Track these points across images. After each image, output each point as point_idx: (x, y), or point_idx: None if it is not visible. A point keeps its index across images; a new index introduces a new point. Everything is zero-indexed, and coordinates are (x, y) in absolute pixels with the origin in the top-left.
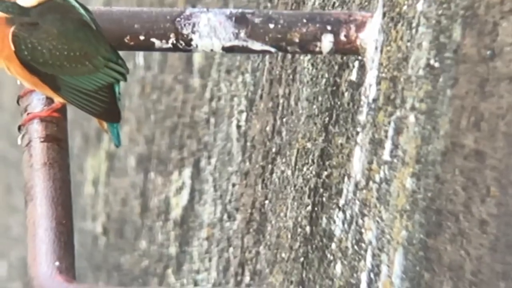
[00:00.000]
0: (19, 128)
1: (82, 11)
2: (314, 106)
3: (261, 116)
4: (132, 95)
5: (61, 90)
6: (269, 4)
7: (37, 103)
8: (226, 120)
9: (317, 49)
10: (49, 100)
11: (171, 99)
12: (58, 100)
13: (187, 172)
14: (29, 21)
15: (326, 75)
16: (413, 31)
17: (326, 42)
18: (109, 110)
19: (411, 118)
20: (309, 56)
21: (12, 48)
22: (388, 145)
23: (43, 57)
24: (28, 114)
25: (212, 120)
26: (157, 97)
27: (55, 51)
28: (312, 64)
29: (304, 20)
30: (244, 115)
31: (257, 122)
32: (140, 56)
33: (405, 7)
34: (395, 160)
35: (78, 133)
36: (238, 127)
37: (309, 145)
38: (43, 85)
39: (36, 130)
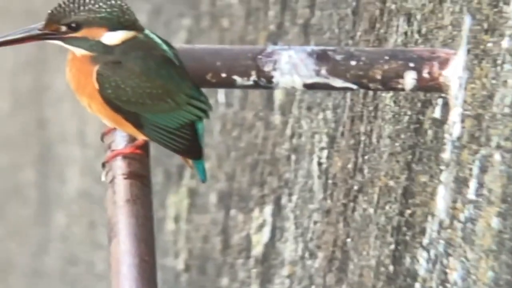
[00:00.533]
0: (103, 165)
1: (165, 47)
2: (397, 144)
3: (343, 154)
4: (213, 132)
5: (143, 127)
6: (350, 41)
7: (120, 140)
8: (307, 157)
9: (399, 86)
10: (132, 137)
11: (252, 136)
12: (140, 137)
13: (268, 209)
14: (113, 59)
15: (409, 112)
16: (498, 68)
17: (409, 79)
18: (191, 147)
19: (497, 156)
20: (391, 93)
21: (96, 86)
22: (473, 183)
23: (126, 95)
24: (111, 151)
25: (293, 157)
26: (238, 134)
27: (138, 89)
28: (394, 101)
29: (386, 57)
30: (325, 152)
31: (339, 159)
32: (221, 93)
33: (489, 44)
34: (480, 199)
35: (160, 170)
36: (319, 164)
37: (391, 183)
38: (125, 123)
39: (120, 167)
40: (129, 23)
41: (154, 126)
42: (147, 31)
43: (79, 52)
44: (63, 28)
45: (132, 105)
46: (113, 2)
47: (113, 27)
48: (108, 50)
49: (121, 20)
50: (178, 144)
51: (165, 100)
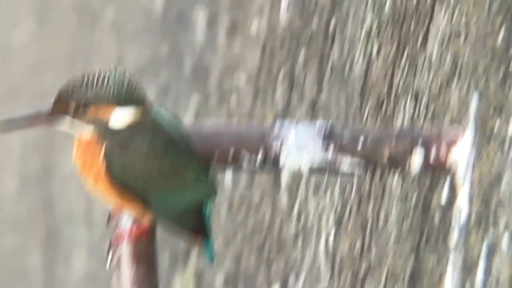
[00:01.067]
0: (109, 247)
1: (173, 123)
2: (404, 225)
3: (350, 234)
4: (220, 212)
5: (151, 207)
6: (358, 120)
7: (127, 222)
8: (314, 238)
9: (407, 166)
10: (138, 220)
11: (259, 216)
12: (146, 219)
13: None
14: (120, 138)
15: (416, 193)
16: (506, 148)
17: (416, 159)
18: (199, 227)
19: (505, 238)
20: (398, 173)
21: (104, 165)
22: (481, 267)
23: (134, 173)
24: (117, 233)
25: (301, 237)
26: (245, 214)
27: (146, 168)
28: (402, 182)
29: (394, 137)
30: (332, 233)
31: (346, 239)
32: (228, 173)
33: (497, 124)
34: (488, 283)
35: (167, 251)
36: (327, 245)
37: (399, 264)
38: (131, 203)
39: (125, 249)
40: (138, 101)
41: (162, 206)
42: (156, 108)
43: (87, 131)
44: (73, 107)
45: (140, 185)
46: (121, 80)
47: (121, 106)
48: (116, 129)
49: (129, 98)
50: (186, 223)
51: (172, 180)
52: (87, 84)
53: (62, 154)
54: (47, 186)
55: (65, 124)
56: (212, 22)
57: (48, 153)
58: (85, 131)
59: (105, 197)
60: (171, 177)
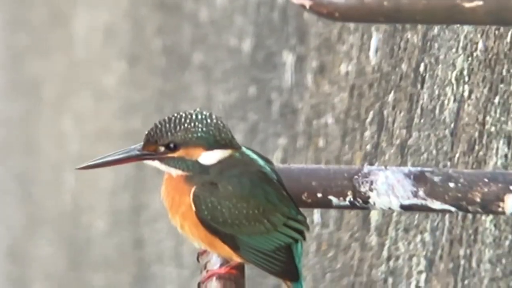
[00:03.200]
0: (199, 286)
1: (261, 162)
2: (498, 269)
3: (441, 277)
4: (308, 253)
5: (239, 249)
6: (448, 163)
7: (216, 260)
8: (405, 281)
9: (500, 209)
10: (227, 259)
11: (347, 257)
12: (235, 258)
13: None
14: (209, 180)
15: (510, 237)
16: None
17: (510, 203)
18: (288, 269)
19: None
20: (491, 216)
21: (193, 208)
22: None
23: (222, 216)
24: (207, 271)
25: (390, 280)
26: (334, 255)
27: (234, 210)
28: (495, 225)
29: (486, 180)
30: (423, 276)
31: (437, 283)
32: (317, 213)
33: None
34: None
35: None
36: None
37: None
38: (219, 245)
39: (215, 287)
40: (226, 142)
41: (250, 248)
42: (243, 149)
43: (175, 172)
44: (161, 149)
45: (228, 227)
46: (209, 121)
47: (209, 147)
48: (204, 169)
49: (217, 139)
50: (275, 266)
51: (261, 221)
52: (174, 126)
53: (151, 193)
54: (136, 225)
55: (154, 164)
56: (300, 64)
57: (138, 193)
58: (173, 171)
59: (192, 238)
60: (259, 219)
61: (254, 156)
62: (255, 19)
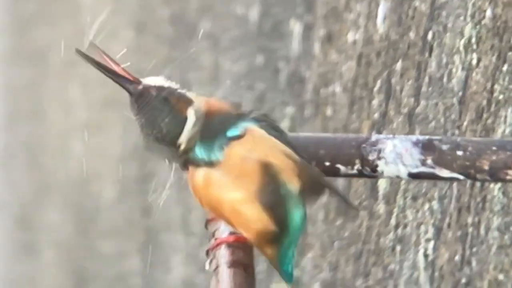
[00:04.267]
0: (207, 253)
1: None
2: (506, 236)
3: (449, 245)
4: (316, 221)
5: None
6: (456, 131)
7: (224, 228)
8: (413, 249)
9: (508, 177)
10: None
11: (355, 225)
12: None
13: None
14: None
15: None
16: None
17: None
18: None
19: None
20: (499, 184)
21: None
22: None
23: None
24: (215, 239)
25: (398, 248)
26: (341, 223)
27: None
28: (503, 193)
29: (494, 148)
30: (431, 244)
31: (445, 251)
32: None
33: None
34: None
35: (263, 259)
36: (426, 256)
37: (501, 277)
38: None
39: (223, 255)
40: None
41: None
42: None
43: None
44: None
45: None
46: None
47: None
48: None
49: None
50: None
51: None
52: None
53: (159, 161)
54: (144, 193)
55: None
56: (307, 33)
57: (146, 161)
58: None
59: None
60: None
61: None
62: None
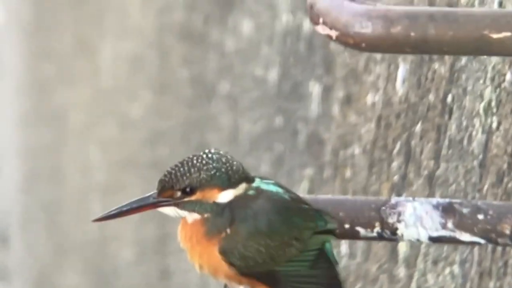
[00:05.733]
0: None
1: (273, 189)
2: None
3: None
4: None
5: (280, 284)
6: (477, 195)
7: None
8: None
9: None
10: None
11: None
12: None
13: None
14: (227, 223)
15: None
16: None
17: None
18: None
19: None
20: None
21: (224, 261)
22: None
23: (253, 259)
24: None
25: None
26: (361, 286)
27: (263, 249)
28: None
29: None
30: None
31: None
32: (344, 244)
33: None
34: None
35: None
36: None
37: None
38: (256, 283)
39: None
40: (240, 178)
41: (290, 277)
42: (257, 180)
43: (192, 217)
44: (178, 194)
45: (263, 266)
46: (221, 159)
47: (224, 186)
48: (221, 210)
49: (232, 176)
50: (319, 286)
51: (291, 245)
52: (189, 169)
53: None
54: (163, 255)
55: (171, 211)
56: (326, 94)
57: (164, 223)
58: (189, 216)
59: (218, 278)
60: (289, 243)
61: (265, 185)
62: (281, 49)
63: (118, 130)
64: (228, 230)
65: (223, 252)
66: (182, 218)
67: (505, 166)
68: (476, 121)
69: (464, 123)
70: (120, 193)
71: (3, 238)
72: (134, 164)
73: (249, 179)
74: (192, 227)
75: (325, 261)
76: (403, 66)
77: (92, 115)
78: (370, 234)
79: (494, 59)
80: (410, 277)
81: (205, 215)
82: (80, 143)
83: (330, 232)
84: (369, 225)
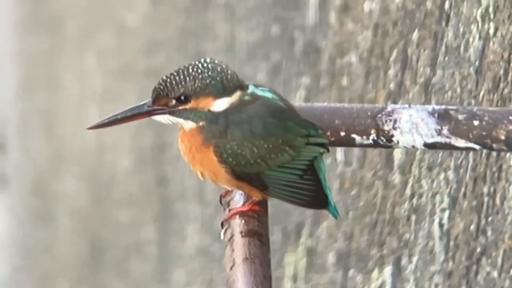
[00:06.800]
0: (222, 224)
1: (268, 94)
2: None
3: (465, 215)
4: (331, 191)
5: (268, 188)
6: (473, 101)
7: (239, 198)
8: (428, 218)
9: None
10: (251, 196)
11: (370, 195)
12: (259, 196)
13: (388, 270)
14: (223, 128)
15: None
16: None
17: None
18: (317, 197)
19: None
20: None
21: (217, 160)
22: None
23: (245, 159)
24: (230, 209)
25: (413, 217)
26: (356, 193)
27: (256, 149)
28: None
29: (511, 117)
30: (446, 213)
31: (461, 220)
32: (340, 152)
33: None
34: None
35: (278, 228)
36: (441, 225)
37: None
38: (247, 187)
39: (238, 225)
40: (234, 86)
41: (278, 183)
42: (251, 87)
43: (188, 125)
44: (173, 102)
45: (255, 166)
46: (216, 68)
47: (219, 94)
48: (216, 118)
49: (226, 85)
50: (304, 197)
51: (284, 150)
52: (184, 78)
53: (175, 132)
54: (160, 163)
55: (165, 119)
56: (323, 2)
57: (161, 132)
58: (185, 124)
59: (216, 183)
60: (281, 148)
61: (260, 92)
62: None
63: (115, 38)
64: (223, 133)
65: (216, 149)
66: (180, 132)
67: (501, 72)
68: (473, 28)
69: (461, 30)
70: (116, 101)
71: (0, 144)
72: (130, 72)
73: (244, 87)
74: (190, 138)
75: (314, 176)
76: None
77: (89, 22)
78: (365, 141)
79: None
80: (405, 183)
81: (200, 123)
82: (77, 50)
83: (323, 145)
84: (365, 132)
